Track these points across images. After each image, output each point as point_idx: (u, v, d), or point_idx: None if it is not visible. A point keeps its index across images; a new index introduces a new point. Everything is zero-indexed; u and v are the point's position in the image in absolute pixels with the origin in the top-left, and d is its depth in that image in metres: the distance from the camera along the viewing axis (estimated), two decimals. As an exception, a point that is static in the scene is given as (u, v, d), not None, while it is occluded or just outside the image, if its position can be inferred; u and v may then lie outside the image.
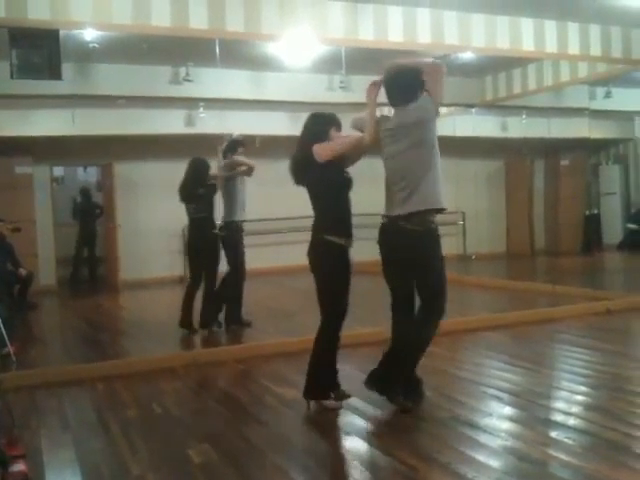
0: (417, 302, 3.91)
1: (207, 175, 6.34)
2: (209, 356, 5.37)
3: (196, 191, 6.26)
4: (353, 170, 3.97)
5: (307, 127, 3.99)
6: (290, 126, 10.29)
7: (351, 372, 4.35)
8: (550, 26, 6.90)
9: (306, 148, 3.90)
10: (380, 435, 3.54)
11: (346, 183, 3.93)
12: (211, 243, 6.26)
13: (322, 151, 3.82)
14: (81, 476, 3.09)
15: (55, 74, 5.46)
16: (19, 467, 3.00)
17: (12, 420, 3.66)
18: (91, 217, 11.20)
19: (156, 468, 3.16)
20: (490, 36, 6.68)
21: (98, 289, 10.60)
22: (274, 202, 9.23)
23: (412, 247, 3.74)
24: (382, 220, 3.87)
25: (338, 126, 4.00)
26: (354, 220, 3.94)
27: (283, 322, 6.85)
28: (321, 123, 3.98)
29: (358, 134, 3.93)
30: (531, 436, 3.38)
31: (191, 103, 9.48)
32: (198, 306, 6.35)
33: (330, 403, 3.90)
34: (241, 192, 6.33)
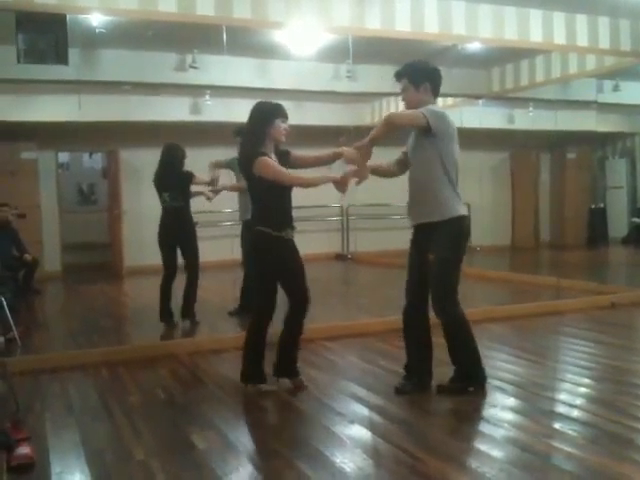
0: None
1: (182, 162, 6.21)
2: (211, 343, 5.38)
3: (170, 178, 6.12)
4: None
5: (253, 117, 3.98)
6: (296, 115, 10.20)
7: (356, 361, 4.36)
8: (559, 18, 6.86)
9: (251, 144, 3.94)
10: (384, 425, 3.54)
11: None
12: (192, 233, 6.26)
13: (265, 170, 3.85)
14: (85, 460, 3.10)
15: (62, 59, 5.46)
16: (24, 450, 3.02)
17: (16, 404, 3.69)
18: None
19: (160, 453, 3.17)
20: (498, 27, 6.64)
21: (103, 276, 10.62)
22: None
23: None
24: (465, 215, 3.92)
25: (284, 117, 4.02)
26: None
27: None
28: (268, 112, 3.97)
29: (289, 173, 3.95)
30: (534, 428, 3.38)
31: (197, 90, 9.47)
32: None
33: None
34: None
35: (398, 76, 4.01)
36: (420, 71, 3.96)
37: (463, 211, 3.90)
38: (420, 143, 3.88)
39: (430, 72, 3.98)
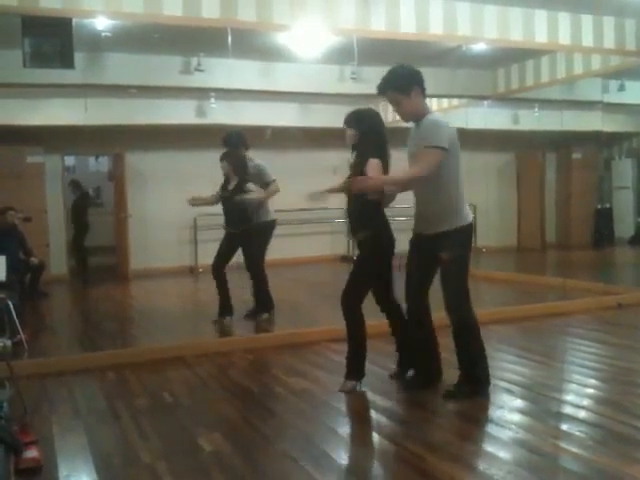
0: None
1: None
2: (218, 346, 5.39)
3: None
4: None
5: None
6: (301, 117, 10.29)
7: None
8: (564, 18, 6.84)
9: None
10: (390, 426, 3.54)
11: None
12: None
13: None
14: (92, 463, 3.11)
15: (67, 63, 5.46)
16: (32, 453, 3.04)
17: (24, 407, 3.70)
18: None
19: (167, 456, 3.18)
20: (503, 27, 6.63)
21: (109, 278, 10.63)
22: (283, 193, 9.36)
23: None
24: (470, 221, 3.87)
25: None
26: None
27: (289, 313, 6.86)
28: None
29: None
30: (542, 429, 3.37)
31: (202, 93, 9.48)
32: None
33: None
34: None
35: (382, 90, 3.83)
36: (404, 77, 3.79)
37: (471, 217, 3.85)
38: None
39: (414, 74, 3.81)
